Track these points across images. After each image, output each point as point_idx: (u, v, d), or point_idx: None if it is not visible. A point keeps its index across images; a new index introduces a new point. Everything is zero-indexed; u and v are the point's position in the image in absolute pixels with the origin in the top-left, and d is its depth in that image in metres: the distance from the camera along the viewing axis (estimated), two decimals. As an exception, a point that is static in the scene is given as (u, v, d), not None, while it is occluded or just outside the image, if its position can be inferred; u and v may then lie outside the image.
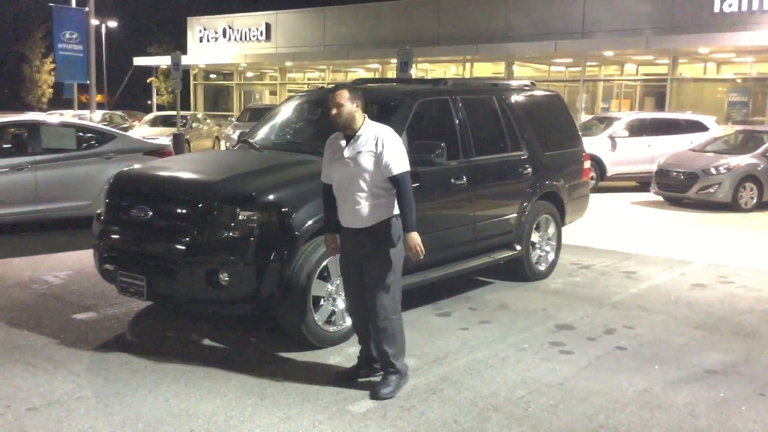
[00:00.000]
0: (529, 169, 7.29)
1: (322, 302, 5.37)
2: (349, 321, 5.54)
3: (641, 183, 16.18)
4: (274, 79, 34.24)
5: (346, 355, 5.28)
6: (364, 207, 4.49)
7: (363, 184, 4.46)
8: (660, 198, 14.30)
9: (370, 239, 4.54)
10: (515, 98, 7.49)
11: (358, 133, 4.51)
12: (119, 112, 32.42)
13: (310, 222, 5.19)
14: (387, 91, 7.05)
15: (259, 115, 23.79)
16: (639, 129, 16.54)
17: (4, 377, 4.74)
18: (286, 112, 7.14)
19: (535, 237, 7.50)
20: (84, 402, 4.40)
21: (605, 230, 10.72)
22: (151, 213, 5.27)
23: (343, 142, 4.55)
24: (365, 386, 4.67)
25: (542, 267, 7.64)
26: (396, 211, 4.57)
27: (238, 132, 22.22)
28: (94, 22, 18.49)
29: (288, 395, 4.57)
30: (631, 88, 25.11)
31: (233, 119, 27.28)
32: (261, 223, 5.04)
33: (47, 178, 9.51)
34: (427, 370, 5.03)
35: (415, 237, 4.54)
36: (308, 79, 34.27)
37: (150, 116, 27.32)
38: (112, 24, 47.47)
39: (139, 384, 4.67)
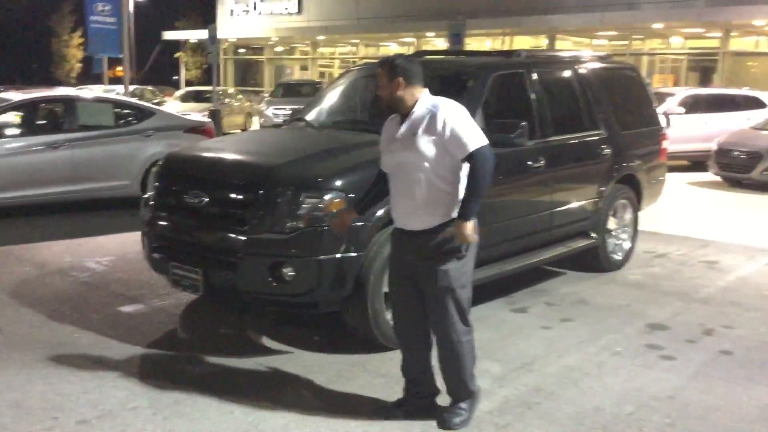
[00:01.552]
0: (608, 150, 6.67)
1: (394, 299, 4.84)
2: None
3: (693, 162, 15.42)
4: (305, 54, 33.64)
5: (422, 357, 4.76)
6: (423, 203, 3.65)
7: (421, 174, 3.62)
8: (718, 178, 13.54)
9: (431, 246, 3.68)
10: (592, 71, 6.85)
11: (411, 112, 3.70)
12: (150, 87, 31.98)
13: (381, 211, 4.64)
14: (456, 64, 6.46)
15: (293, 90, 23.29)
16: (694, 105, 15.70)
17: (49, 382, 4.27)
18: (343, 88, 6.56)
19: (611, 224, 6.89)
20: (139, 413, 3.92)
21: (669, 214, 10.04)
22: (206, 199, 4.75)
23: (398, 124, 3.76)
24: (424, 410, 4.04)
25: (618, 256, 7.04)
26: None
27: (272, 108, 21.90)
28: (125, -6, 17.98)
29: (364, 408, 4.05)
30: (678, 63, 24.18)
31: (266, 95, 26.75)
32: (329, 211, 4.50)
33: (84, 156, 9.07)
34: (515, 379, 4.48)
35: (470, 227, 3.58)
36: (339, 54, 33.62)
37: (181, 92, 26.86)
38: (141, -3, 46.91)
39: (198, 391, 4.18)
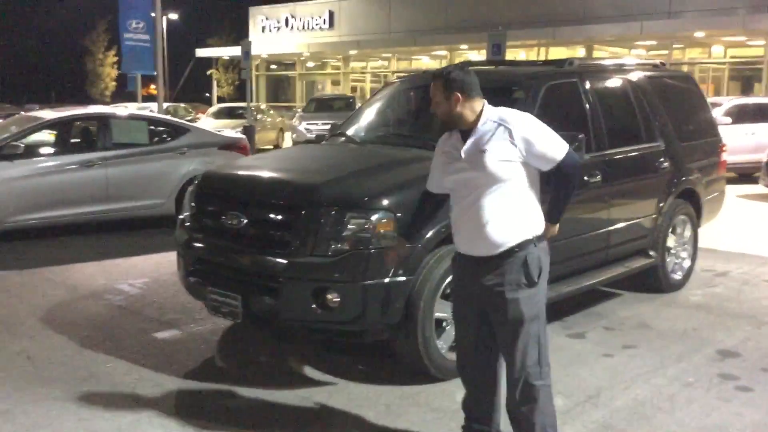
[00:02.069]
0: (666, 163, 6.28)
1: (444, 325, 4.51)
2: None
3: (740, 174, 14.87)
4: (337, 69, 33.56)
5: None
6: (492, 226, 3.28)
7: (490, 194, 3.27)
8: (768, 191, 13.00)
9: (500, 273, 3.30)
10: (647, 79, 6.47)
11: (477, 127, 3.34)
12: (183, 104, 32.11)
13: (431, 232, 4.33)
14: (503, 73, 6.12)
15: (325, 105, 23.13)
16: (740, 115, 15.17)
17: (81, 418, 4.00)
18: (386, 101, 6.26)
19: (670, 241, 6.48)
20: (176, 454, 3.63)
21: (722, 228, 9.56)
22: (245, 220, 4.47)
23: (460, 141, 3.40)
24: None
25: (678, 276, 6.63)
26: (537, 231, 3.38)
27: (305, 123, 21.74)
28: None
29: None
30: (718, 72, 23.57)
31: (299, 110, 26.64)
32: (376, 232, 4.19)
33: (118, 174, 8.88)
34: (581, 413, 4.12)
35: (556, 229, 3.54)
36: (371, 68, 33.47)
37: (214, 108, 26.89)
38: (173, 16, 47.43)
39: (239, 429, 3.88)
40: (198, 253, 4.78)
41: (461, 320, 3.58)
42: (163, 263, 7.42)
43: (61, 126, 9.24)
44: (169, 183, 9.22)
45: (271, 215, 4.43)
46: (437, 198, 3.69)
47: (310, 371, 4.71)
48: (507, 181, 3.28)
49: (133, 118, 9.85)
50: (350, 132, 5.90)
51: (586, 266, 5.67)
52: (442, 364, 4.47)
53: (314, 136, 20.72)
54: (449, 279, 4.37)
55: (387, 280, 4.20)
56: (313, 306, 4.20)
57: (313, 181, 4.49)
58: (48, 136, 9.49)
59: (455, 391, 4.37)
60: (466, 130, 3.37)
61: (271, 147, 23.22)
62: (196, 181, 5.14)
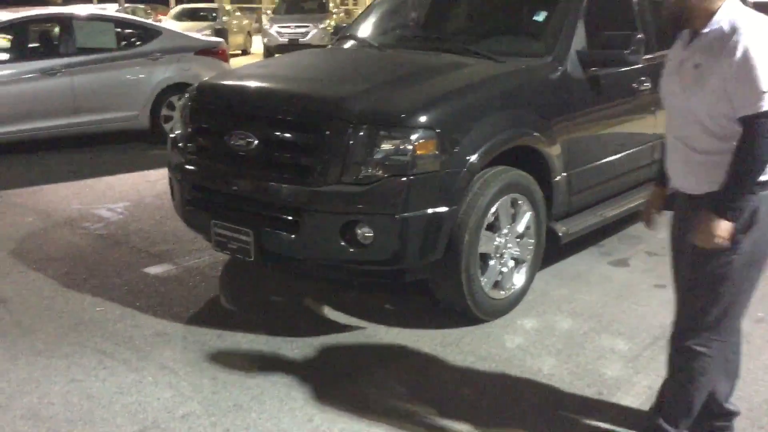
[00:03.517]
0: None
1: (490, 261, 3.93)
2: (519, 282, 4.12)
3: None
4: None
5: (523, 332, 3.88)
6: (699, 158, 2.53)
7: (701, 116, 2.47)
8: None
9: (703, 215, 2.48)
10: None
11: (708, 25, 2.46)
12: (141, 5, 30.23)
13: (476, 154, 3.68)
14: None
15: (296, 6, 21.75)
16: None
17: (73, 379, 3.38)
18: (403, -3, 5.44)
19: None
20: (194, 424, 3.03)
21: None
22: (255, 142, 3.75)
23: (683, 46, 2.57)
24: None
25: (713, 192, 6.10)
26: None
27: (276, 26, 20.45)
28: None
29: (477, 411, 3.18)
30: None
31: (269, 12, 25.20)
32: (415, 155, 3.52)
33: (86, 84, 7.97)
34: (651, 360, 3.59)
35: (724, 228, 2.43)
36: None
37: (176, 9, 25.25)
38: None
39: (260, 388, 3.30)
40: (197, 179, 4.07)
41: (677, 267, 2.83)
42: (142, 183, 6.69)
43: (15, 29, 8.20)
44: (142, 93, 8.35)
45: (288, 135, 3.71)
46: None
47: (331, 313, 4.12)
48: (720, 105, 2.43)
49: (97, 18, 8.80)
50: (363, 35, 5.11)
51: (631, 185, 5.09)
52: (487, 304, 3.91)
53: (287, 40, 19.59)
54: (495, 207, 3.79)
55: (429, 211, 3.56)
56: (342, 243, 3.56)
57: (339, 93, 3.75)
58: (2, 41, 8.46)
59: (502, 335, 3.84)
60: (695, 30, 2.51)
61: (240, 52, 21.99)
62: (187, 93, 4.36)
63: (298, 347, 3.68)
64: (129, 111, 8.28)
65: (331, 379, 3.40)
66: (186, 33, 9.97)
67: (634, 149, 4.95)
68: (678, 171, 2.67)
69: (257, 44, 23.19)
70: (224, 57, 9.09)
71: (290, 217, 3.63)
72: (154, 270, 4.71)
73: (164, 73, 8.46)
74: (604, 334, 3.86)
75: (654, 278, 4.61)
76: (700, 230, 2.49)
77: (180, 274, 4.63)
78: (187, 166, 4.11)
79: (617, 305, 4.21)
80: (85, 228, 5.55)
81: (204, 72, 7.81)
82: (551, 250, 4.43)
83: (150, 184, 6.72)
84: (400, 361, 3.58)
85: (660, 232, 5.51)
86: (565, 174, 4.33)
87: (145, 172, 7.16)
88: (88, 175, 7.10)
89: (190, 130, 4.13)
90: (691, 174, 2.59)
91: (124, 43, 8.70)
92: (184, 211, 4.19)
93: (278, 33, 19.79)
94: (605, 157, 4.72)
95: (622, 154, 4.84)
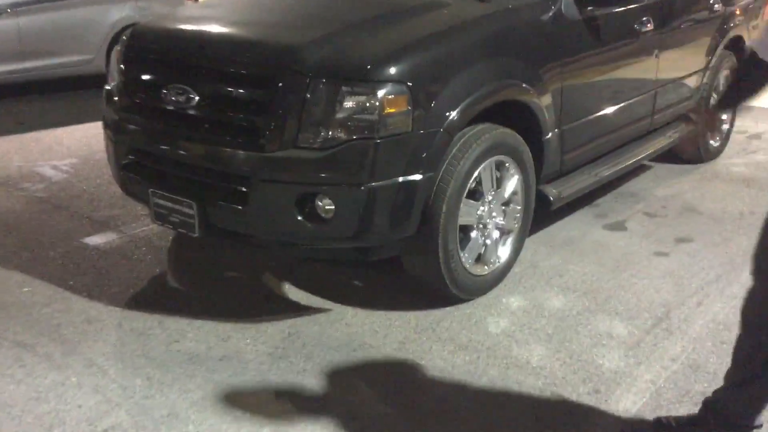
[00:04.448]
0: (719, 5, 5.07)
1: (471, 233, 3.43)
2: (504, 255, 3.64)
3: None
4: None
5: (509, 313, 3.41)
6: None
7: None
8: None
9: None
10: None
11: None
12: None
13: (455, 111, 3.15)
14: None
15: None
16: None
17: (-17, 383, 2.89)
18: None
19: (713, 101, 5.39)
20: (119, 442, 2.57)
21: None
22: (196, 98, 3.19)
23: None
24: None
25: (715, 142, 5.60)
26: None
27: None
28: None
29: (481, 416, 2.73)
30: None
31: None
32: (384, 114, 2.98)
33: (33, 25, 7.24)
34: (654, 347, 3.15)
35: None
36: None
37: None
38: None
39: (203, 392, 2.82)
40: (133, 141, 3.51)
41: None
42: (94, 137, 6.08)
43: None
44: (97, 34, 7.65)
45: (233, 90, 3.15)
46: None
47: (292, 292, 3.63)
48: None
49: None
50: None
51: (628, 139, 4.59)
52: (468, 282, 3.43)
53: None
54: (478, 172, 3.28)
55: (401, 179, 3.04)
56: (299, 218, 3.05)
57: (293, 41, 3.16)
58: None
59: (485, 317, 3.38)
60: None
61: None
62: (123, 37, 3.76)
63: (251, 336, 3.20)
64: (82, 55, 7.60)
65: (287, 379, 2.93)
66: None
67: (634, 99, 4.42)
68: None
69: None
70: (186, -7, 8.35)
71: (238, 188, 3.10)
72: (95, 240, 4.18)
73: (121, 12, 7.76)
74: (599, 314, 3.41)
75: (653, 244, 4.15)
76: None
77: (124, 245, 4.11)
78: (122, 125, 3.55)
79: (614, 278, 3.75)
80: (23, 189, 4.98)
81: (166, 11, 7.11)
82: (540, 216, 3.93)
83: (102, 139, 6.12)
84: (367, 352, 3.11)
85: (656, 188, 5.07)
86: (557, 130, 3.81)
87: (99, 123, 6.52)
88: (35, 127, 6.49)
89: (124, 82, 3.55)
90: None
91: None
92: (120, 176, 3.64)
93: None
94: (602, 110, 4.20)
95: (621, 104, 4.31)
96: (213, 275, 3.81)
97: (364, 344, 3.16)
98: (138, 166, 3.50)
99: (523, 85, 3.51)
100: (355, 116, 2.97)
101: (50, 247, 4.09)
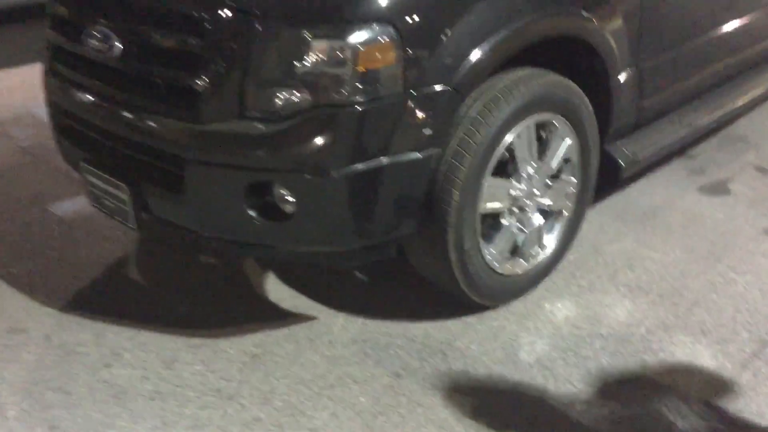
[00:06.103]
0: None
1: (503, 221, 2.52)
2: (550, 245, 2.71)
3: None
4: None
5: (551, 329, 2.53)
6: None
7: None
8: None
9: None
10: None
11: None
12: None
13: (470, 58, 2.19)
14: None
15: None
16: None
17: None
18: None
19: None
20: None
21: None
22: (119, 45, 2.34)
23: None
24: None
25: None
26: None
27: None
28: None
29: None
30: None
31: None
32: (364, 70, 2.06)
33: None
34: (759, 387, 2.22)
35: None
36: None
37: None
38: None
39: (177, 414, 2.13)
40: (63, 99, 2.74)
41: None
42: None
43: None
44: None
45: (162, 35, 2.28)
46: None
47: (273, 291, 2.83)
48: None
49: None
50: None
51: (727, 78, 3.47)
52: (494, 286, 2.55)
53: None
54: (510, 138, 2.35)
55: (389, 160, 2.15)
56: (250, 213, 2.22)
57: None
58: None
59: (517, 335, 2.52)
60: None
61: None
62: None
63: (202, 360, 2.46)
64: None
65: (260, 397, 2.18)
66: None
67: (748, 16, 3.28)
68: None
69: None
70: None
71: (172, 169, 2.29)
72: (63, 208, 3.50)
73: None
74: (678, 332, 2.48)
75: (765, 216, 3.11)
76: None
77: (91, 216, 3.38)
78: (54, 78, 2.77)
79: (704, 272, 2.78)
80: (12, 137, 4.34)
81: None
82: (607, 187, 2.97)
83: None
84: (345, 392, 2.31)
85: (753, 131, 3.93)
86: (632, 68, 2.78)
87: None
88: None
89: (51, 17, 2.75)
90: None
91: None
92: (58, 142, 2.89)
93: None
94: (703, 32, 3.11)
95: (725, 26, 3.19)
96: (186, 261, 3.07)
97: (345, 378, 2.36)
98: (72, 131, 2.74)
99: (582, 13, 2.49)
100: (321, 73, 2.07)
101: (12, 214, 3.44)
